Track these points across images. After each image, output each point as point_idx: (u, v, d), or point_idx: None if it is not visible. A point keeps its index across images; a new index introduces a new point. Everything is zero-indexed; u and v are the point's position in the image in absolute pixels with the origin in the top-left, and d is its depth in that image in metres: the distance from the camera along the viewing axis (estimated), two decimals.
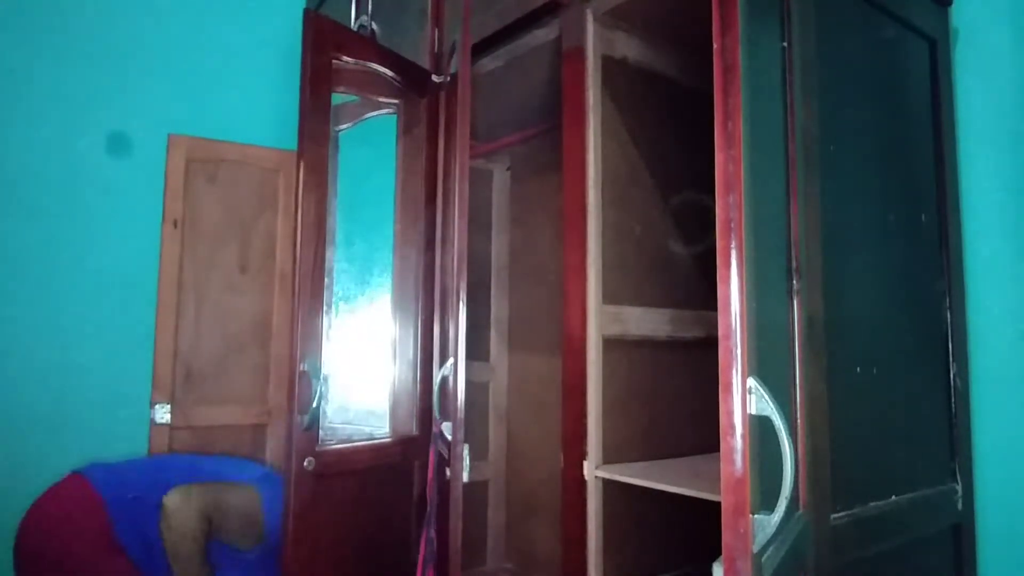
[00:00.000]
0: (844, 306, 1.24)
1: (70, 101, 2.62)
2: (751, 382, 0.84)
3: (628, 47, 1.91)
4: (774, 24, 1.14)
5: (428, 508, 1.91)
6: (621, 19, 1.87)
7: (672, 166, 1.99)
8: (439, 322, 2.10)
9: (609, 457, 1.75)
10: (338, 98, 2.06)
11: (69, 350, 2.54)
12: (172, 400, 2.66)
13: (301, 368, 1.75)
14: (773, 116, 1.11)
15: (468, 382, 1.63)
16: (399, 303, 2.17)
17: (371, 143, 2.40)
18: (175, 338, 2.69)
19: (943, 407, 1.53)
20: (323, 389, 1.79)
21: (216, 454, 2.66)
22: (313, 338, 1.79)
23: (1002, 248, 1.65)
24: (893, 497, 1.33)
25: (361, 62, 2.01)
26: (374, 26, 2.13)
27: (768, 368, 0.91)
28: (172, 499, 2.09)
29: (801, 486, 1.07)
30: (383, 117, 2.26)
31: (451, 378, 1.64)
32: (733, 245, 0.86)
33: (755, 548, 0.82)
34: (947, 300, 1.56)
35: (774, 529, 0.84)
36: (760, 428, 0.85)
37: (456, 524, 1.57)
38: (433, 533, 1.85)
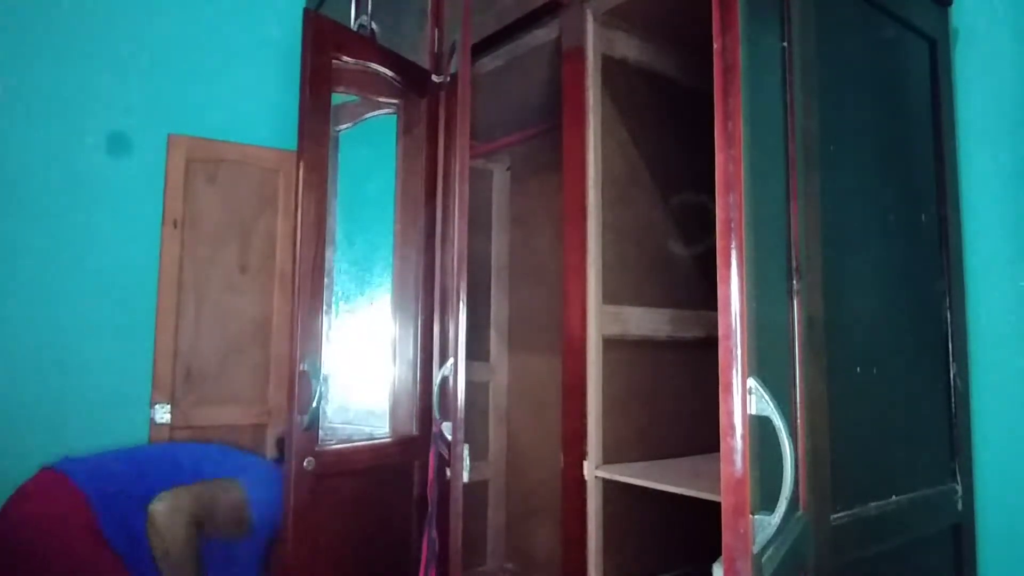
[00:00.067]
0: (844, 306, 1.24)
1: (70, 101, 2.62)
2: (751, 382, 0.84)
3: (628, 47, 1.91)
4: (774, 24, 1.14)
5: (429, 508, 1.91)
6: (621, 19, 1.87)
7: (672, 166, 1.99)
8: (439, 322, 2.10)
9: (609, 457, 1.75)
10: (338, 98, 2.06)
11: (69, 350, 2.54)
12: (172, 400, 2.66)
13: (301, 368, 1.75)
14: (773, 116, 1.11)
15: (468, 382, 1.63)
16: (399, 303, 2.17)
17: (371, 143, 2.39)
18: (175, 338, 2.69)
19: (943, 407, 1.53)
20: (323, 389, 1.79)
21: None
22: (313, 338, 1.79)
23: (1002, 248, 1.65)
24: (893, 497, 1.33)
25: (361, 62, 2.02)
26: (374, 26, 2.13)
27: (768, 368, 0.91)
28: (159, 507, 2.04)
29: (801, 486, 1.07)
30: (383, 117, 2.26)
31: (451, 378, 1.64)
32: (733, 245, 0.86)
33: (755, 548, 0.82)
34: (947, 300, 1.56)
35: (774, 529, 0.84)
36: (760, 428, 0.85)
37: (456, 524, 1.57)
38: (435, 533, 1.85)
